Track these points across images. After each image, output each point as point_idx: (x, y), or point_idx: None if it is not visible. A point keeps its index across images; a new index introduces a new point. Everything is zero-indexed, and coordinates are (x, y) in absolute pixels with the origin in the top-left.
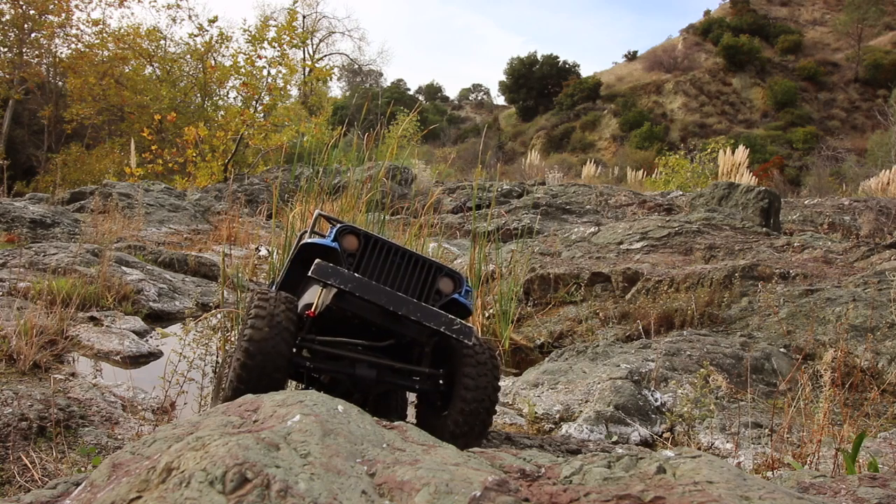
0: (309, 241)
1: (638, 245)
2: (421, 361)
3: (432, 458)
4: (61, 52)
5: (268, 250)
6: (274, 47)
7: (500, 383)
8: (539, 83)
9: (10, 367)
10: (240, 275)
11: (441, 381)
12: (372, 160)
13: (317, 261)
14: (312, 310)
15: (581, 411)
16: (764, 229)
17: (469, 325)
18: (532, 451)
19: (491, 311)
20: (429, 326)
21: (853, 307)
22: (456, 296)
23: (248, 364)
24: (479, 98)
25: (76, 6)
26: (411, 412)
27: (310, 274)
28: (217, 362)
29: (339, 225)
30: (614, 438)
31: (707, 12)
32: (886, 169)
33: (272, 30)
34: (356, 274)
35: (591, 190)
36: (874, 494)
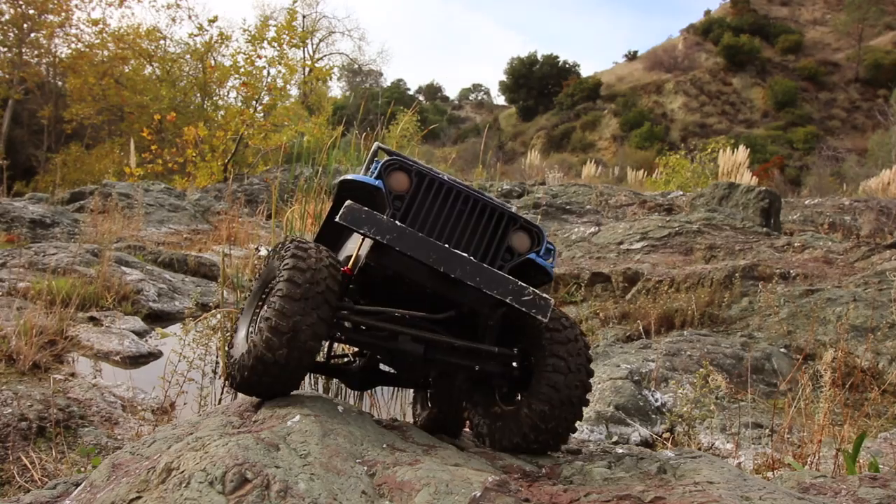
0: (349, 176)
1: (638, 245)
2: (483, 335)
3: (432, 458)
4: (61, 52)
5: (268, 250)
6: (274, 47)
7: None
8: (539, 83)
9: (9, 367)
10: (240, 275)
11: (514, 364)
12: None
13: (347, 202)
14: (350, 265)
15: None
16: (764, 229)
17: (545, 296)
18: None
19: None
20: (491, 295)
21: (853, 307)
22: (533, 255)
23: (273, 343)
24: (479, 98)
25: (76, 6)
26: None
27: (338, 219)
28: (216, 362)
29: (386, 158)
30: (614, 438)
31: (707, 12)
32: (887, 169)
33: (272, 29)
34: (399, 223)
35: (592, 190)
36: (874, 495)
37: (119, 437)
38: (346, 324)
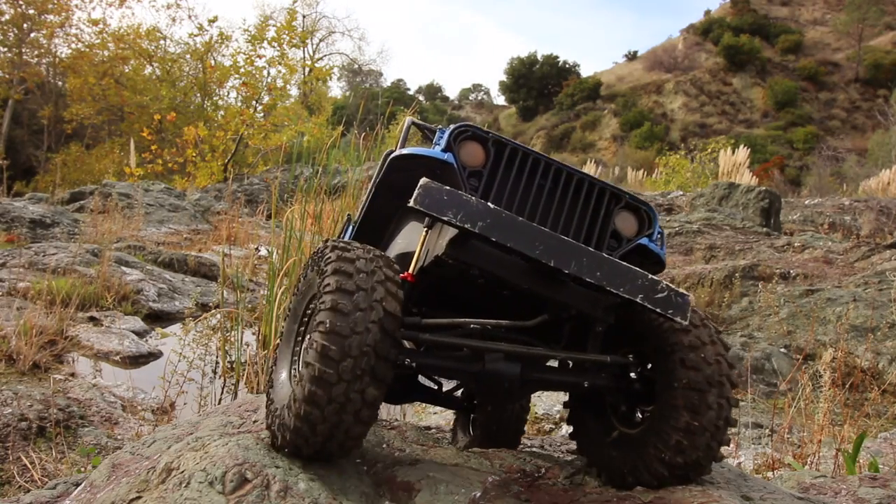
0: (406, 150)
1: None
2: (586, 342)
3: (432, 458)
4: (61, 52)
5: (268, 250)
6: (273, 47)
7: None
8: (539, 83)
9: (9, 368)
10: (239, 275)
11: (632, 375)
12: (371, 160)
13: (424, 180)
14: (411, 269)
15: None
16: (764, 229)
17: (682, 291)
18: (532, 451)
19: None
20: (617, 294)
21: (853, 307)
22: (645, 241)
23: (319, 398)
24: (479, 98)
25: (76, 6)
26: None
27: (412, 202)
28: (216, 362)
29: (453, 126)
30: None
31: (707, 12)
32: (887, 169)
33: (272, 29)
34: (491, 204)
35: None
36: (875, 495)
37: (119, 437)
38: (408, 344)
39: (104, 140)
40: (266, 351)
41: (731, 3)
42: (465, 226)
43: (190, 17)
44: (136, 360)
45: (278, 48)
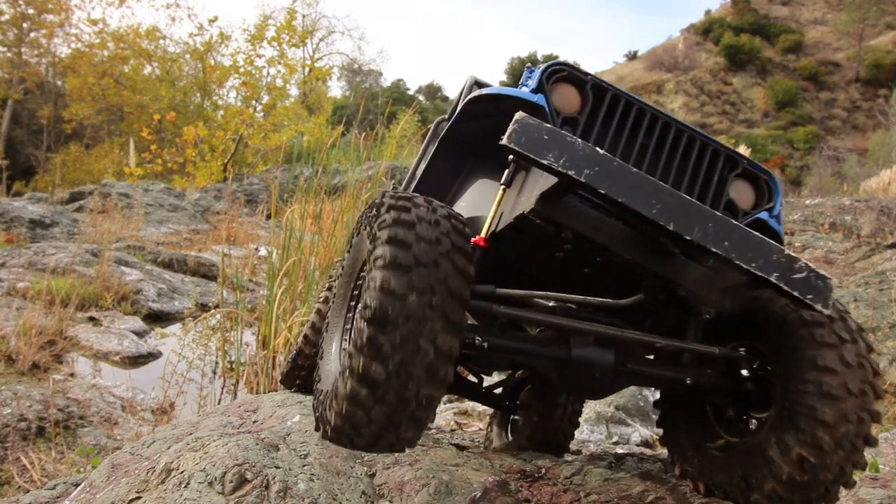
0: (488, 90)
1: None
2: (685, 331)
3: (432, 459)
4: (61, 52)
5: (267, 250)
6: (273, 47)
7: None
8: None
9: (9, 368)
10: (239, 275)
11: (744, 372)
12: (371, 160)
13: (520, 114)
14: (484, 233)
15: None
16: None
17: (822, 273)
18: (532, 451)
19: None
20: (747, 270)
21: (854, 307)
22: (764, 215)
23: (373, 373)
24: None
25: (76, 6)
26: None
27: (505, 140)
28: (216, 362)
29: (546, 63)
30: (615, 439)
31: (708, 12)
32: (887, 169)
33: (272, 29)
34: (600, 150)
35: None
36: (875, 495)
37: (119, 438)
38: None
39: (104, 140)
40: (266, 351)
41: (732, 3)
42: (570, 172)
43: (190, 16)
44: (136, 361)
45: (278, 48)
